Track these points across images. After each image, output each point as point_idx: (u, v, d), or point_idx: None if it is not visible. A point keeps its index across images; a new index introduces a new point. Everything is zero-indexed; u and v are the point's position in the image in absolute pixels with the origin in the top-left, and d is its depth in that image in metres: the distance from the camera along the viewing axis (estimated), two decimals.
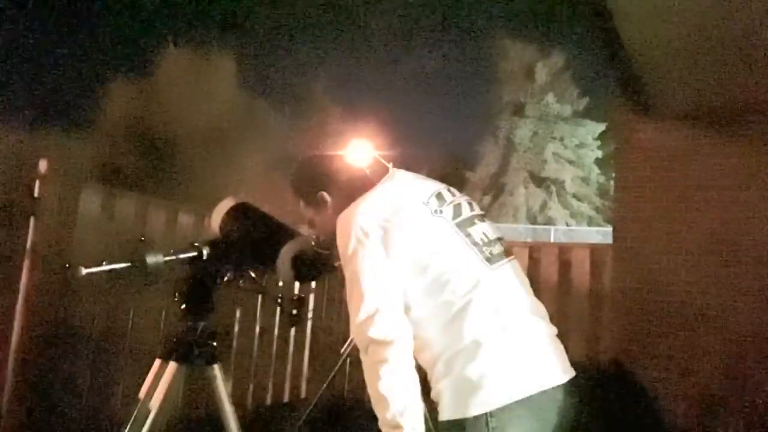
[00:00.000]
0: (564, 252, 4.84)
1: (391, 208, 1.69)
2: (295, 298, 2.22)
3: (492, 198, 22.40)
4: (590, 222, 21.68)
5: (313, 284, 4.65)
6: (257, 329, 4.56)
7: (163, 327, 3.69)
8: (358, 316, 1.59)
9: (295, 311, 2.19)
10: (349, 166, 1.96)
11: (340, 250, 1.68)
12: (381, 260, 1.62)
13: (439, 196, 1.77)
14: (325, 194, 1.87)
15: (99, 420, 3.43)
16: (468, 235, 1.71)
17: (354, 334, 1.63)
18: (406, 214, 1.69)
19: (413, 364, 1.59)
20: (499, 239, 1.78)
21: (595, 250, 4.86)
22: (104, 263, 1.92)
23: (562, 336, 1.75)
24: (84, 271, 1.88)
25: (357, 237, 1.64)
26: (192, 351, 2.05)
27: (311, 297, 4.89)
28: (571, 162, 22.47)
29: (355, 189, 1.81)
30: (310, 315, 4.88)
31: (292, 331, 4.84)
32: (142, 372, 2.11)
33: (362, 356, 1.61)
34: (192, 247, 2.07)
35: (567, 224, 21.50)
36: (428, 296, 1.63)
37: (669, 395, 4.24)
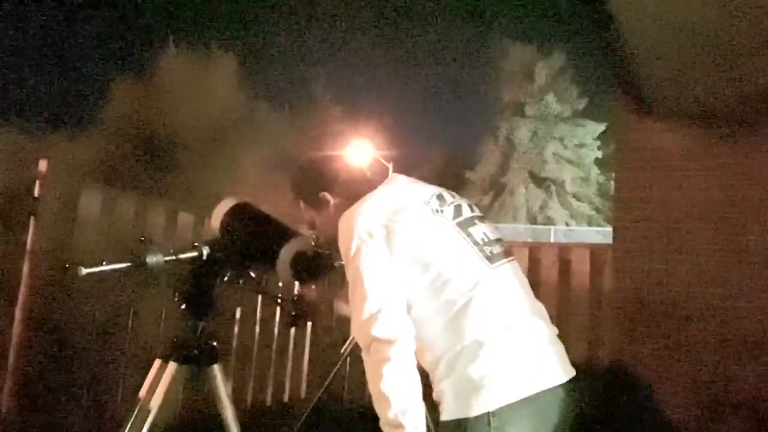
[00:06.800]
0: (564, 252, 4.84)
1: (393, 208, 1.70)
2: (295, 298, 2.22)
3: (492, 198, 22.42)
4: (590, 222, 21.70)
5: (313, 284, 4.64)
6: (257, 329, 4.56)
7: (163, 327, 3.69)
8: (361, 314, 1.59)
9: (294, 311, 2.19)
10: (350, 167, 1.97)
11: (342, 250, 1.69)
12: (384, 259, 1.63)
13: (440, 197, 1.79)
14: (327, 195, 1.87)
15: (99, 420, 3.43)
16: (469, 235, 1.72)
17: (356, 332, 1.63)
18: (408, 213, 1.70)
19: (415, 363, 1.59)
20: (499, 240, 1.79)
21: (595, 250, 4.85)
22: (104, 263, 1.92)
23: (561, 336, 1.76)
24: (84, 271, 1.88)
25: (360, 237, 1.64)
26: (192, 351, 2.05)
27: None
28: (571, 162, 22.49)
29: (356, 190, 1.82)
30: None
31: (292, 331, 4.84)
32: (142, 372, 2.11)
33: (364, 355, 1.61)
34: (192, 247, 2.07)
35: (567, 224, 21.52)
36: (430, 295, 1.64)
37: (669, 395, 4.23)
